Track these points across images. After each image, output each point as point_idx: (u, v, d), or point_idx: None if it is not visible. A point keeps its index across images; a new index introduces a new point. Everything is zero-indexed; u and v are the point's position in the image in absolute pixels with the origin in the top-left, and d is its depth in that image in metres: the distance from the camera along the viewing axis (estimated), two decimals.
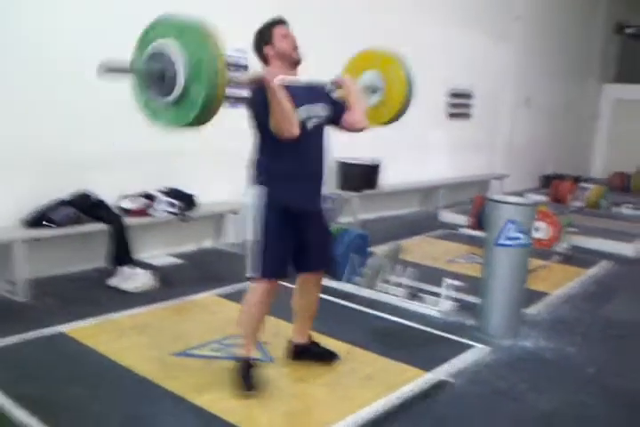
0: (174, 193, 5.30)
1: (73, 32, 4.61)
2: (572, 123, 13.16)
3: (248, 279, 3.03)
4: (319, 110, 2.96)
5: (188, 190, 5.42)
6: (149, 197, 5.09)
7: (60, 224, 4.44)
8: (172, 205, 5.14)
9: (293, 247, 3.02)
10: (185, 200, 5.30)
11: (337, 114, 3.05)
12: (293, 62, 2.93)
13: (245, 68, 5.74)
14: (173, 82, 2.38)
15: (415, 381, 3.18)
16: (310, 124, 2.90)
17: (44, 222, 4.42)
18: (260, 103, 2.76)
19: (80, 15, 4.64)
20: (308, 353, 3.33)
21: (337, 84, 3.10)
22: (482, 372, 3.41)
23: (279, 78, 2.67)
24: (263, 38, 2.92)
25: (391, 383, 3.14)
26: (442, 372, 3.31)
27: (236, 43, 5.48)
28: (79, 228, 4.57)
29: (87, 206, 4.67)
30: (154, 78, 2.46)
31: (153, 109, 2.57)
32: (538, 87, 11.30)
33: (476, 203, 7.13)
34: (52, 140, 4.59)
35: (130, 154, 5.10)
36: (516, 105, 10.78)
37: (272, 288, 3.01)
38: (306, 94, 2.89)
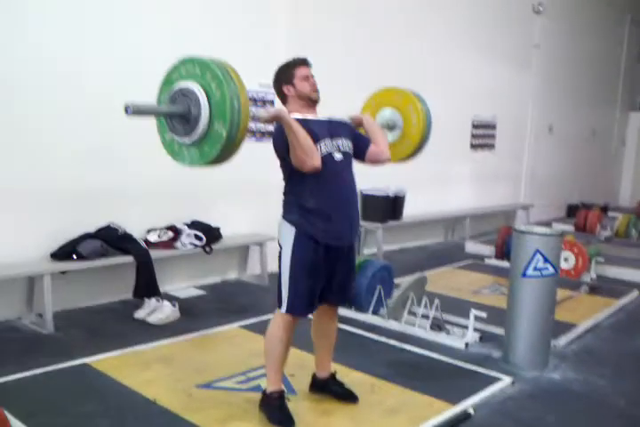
0: (199, 226, 5.35)
1: (100, 67, 4.73)
2: (597, 151, 13.09)
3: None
4: (342, 144, 2.96)
5: (212, 223, 5.48)
6: (175, 229, 5.14)
7: (87, 257, 4.51)
8: (198, 237, 5.19)
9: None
10: (210, 233, 5.35)
11: (361, 147, 3.07)
12: (312, 102, 2.96)
13: (272, 103, 5.85)
14: (197, 121, 2.45)
15: (440, 414, 3.13)
16: (335, 158, 2.90)
17: (71, 255, 4.49)
18: (280, 139, 2.80)
19: (108, 58, 4.77)
20: (328, 390, 3.28)
21: (355, 121, 3.14)
22: (508, 404, 3.35)
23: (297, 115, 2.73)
24: (284, 78, 2.96)
25: (416, 416, 3.10)
26: (467, 404, 3.26)
27: (263, 78, 5.70)
28: (106, 260, 4.62)
29: (114, 239, 4.74)
30: (178, 118, 2.53)
31: (177, 149, 2.64)
32: (561, 115, 11.29)
33: (502, 233, 7.09)
34: (80, 173, 4.68)
35: (156, 187, 5.18)
36: (540, 134, 10.77)
37: (293, 322, 2.99)
38: (326, 129, 2.92)
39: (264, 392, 3.07)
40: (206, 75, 2.44)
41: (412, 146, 3.50)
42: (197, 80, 2.46)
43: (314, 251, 2.89)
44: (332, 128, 2.97)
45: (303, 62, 2.98)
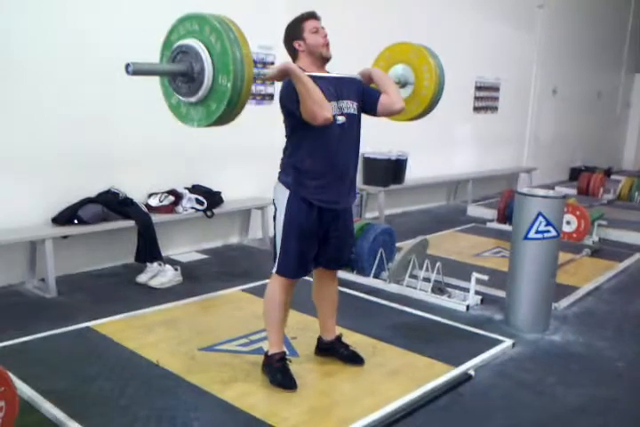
0: (201, 190, 5.33)
1: (99, 32, 4.65)
2: (601, 113, 12.94)
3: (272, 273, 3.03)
4: (346, 105, 2.91)
5: (214, 187, 5.45)
6: (176, 194, 5.12)
7: (88, 222, 4.50)
8: (199, 202, 5.17)
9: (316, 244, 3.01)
10: (211, 197, 5.33)
11: (371, 101, 2.99)
12: (323, 59, 2.89)
13: (272, 64, 5.75)
14: (200, 77, 2.39)
15: (442, 375, 3.15)
16: (337, 121, 2.84)
17: (72, 220, 4.48)
18: (289, 94, 2.73)
19: (107, 16, 4.67)
20: (333, 352, 3.30)
21: (365, 76, 3.05)
22: (509, 366, 3.38)
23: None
24: (293, 33, 2.89)
25: (417, 378, 3.13)
26: (468, 366, 3.28)
27: (262, 40, 5.60)
28: (107, 225, 4.62)
29: (115, 204, 4.72)
30: (181, 78, 2.48)
31: (184, 111, 2.59)
32: (565, 77, 11.13)
33: (504, 196, 7.07)
34: (80, 138, 4.64)
35: (157, 152, 5.15)
36: (544, 96, 10.63)
37: (289, 285, 3.01)
38: (333, 89, 2.86)
39: (266, 354, 3.10)
40: (205, 29, 2.38)
41: (424, 104, 3.38)
42: (196, 36, 2.40)
43: (307, 213, 2.89)
44: (339, 87, 2.90)
45: (312, 15, 2.90)
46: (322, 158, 2.87)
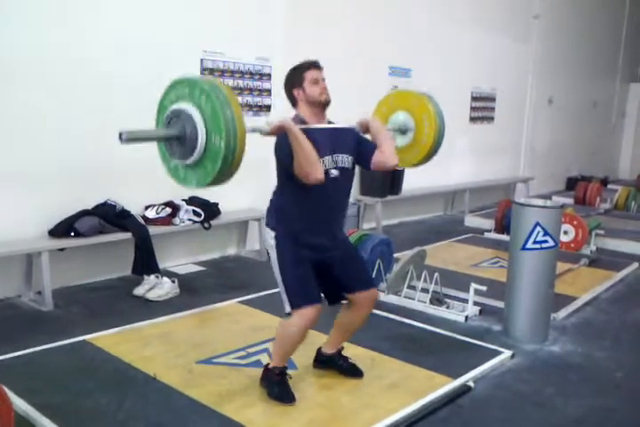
0: (198, 202, 5.32)
1: (99, 46, 4.66)
2: (597, 123, 12.99)
3: (287, 315, 2.89)
4: (344, 160, 2.92)
5: (211, 199, 5.44)
6: (173, 205, 5.11)
7: (85, 234, 4.49)
8: (196, 213, 5.17)
9: (319, 273, 2.96)
10: (208, 208, 5.32)
11: (366, 155, 2.96)
12: (322, 105, 2.89)
13: (269, 76, 5.77)
14: (194, 139, 2.40)
15: (441, 387, 3.14)
16: (330, 175, 2.84)
17: (69, 233, 4.46)
18: (284, 148, 2.73)
19: (107, 31, 4.69)
20: (332, 364, 3.28)
21: (363, 125, 3.01)
22: (508, 377, 3.37)
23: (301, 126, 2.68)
24: (293, 81, 2.89)
25: (417, 390, 3.11)
26: (468, 378, 3.26)
27: (259, 52, 5.63)
28: (104, 237, 4.61)
29: (112, 216, 4.71)
30: (176, 141, 2.49)
31: (182, 174, 2.61)
32: (561, 87, 11.18)
33: (501, 206, 7.07)
34: (76, 150, 4.64)
35: (154, 163, 5.08)
36: (539, 106, 10.68)
37: (309, 319, 2.85)
38: (330, 143, 2.86)
39: (266, 367, 3.08)
40: (195, 91, 2.40)
41: (425, 149, 3.40)
42: (188, 99, 2.42)
43: (295, 245, 2.88)
44: (336, 140, 2.89)
45: (313, 65, 2.89)
46: (311, 210, 2.88)
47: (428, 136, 3.35)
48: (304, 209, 2.88)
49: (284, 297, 2.88)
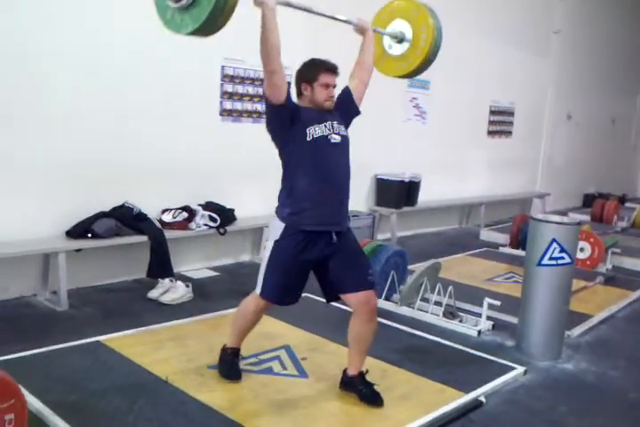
0: (214, 207, 5.35)
1: (113, 46, 4.72)
2: (615, 140, 12.93)
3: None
4: (336, 127, 2.95)
5: (227, 204, 5.47)
6: (190, 210, 5.14)
7: (102, 236, 4.52)
8: (212, 219, 5.19)
9: (317, 269, 3.00)
10: (224, 214, 5.35)
11: (349, 98, 3.09)
12: (322, 109, 2.95)
13: (288, 84, 5.78)
14: None
15: (452, 401, 3.12)
16: (332, 140, 2.90)
17: (86, 234, 4.50)
18: (272, 120, 2.89)
19: (121, 29, 4.74)
20: (352, 388, 3.13)
21: (359, 27, 3.16)
22: (520, 393, 3.34)
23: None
24: (306, 76, 2.93)
25: (427, 403, 3.09)
26: (479, 392, 3.24)
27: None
28: (120, 240, 4.64)
29: (129, 219, 4.74)
30: None
31: (169, 16, 2.61)
32: (580, 103, 11.15)
33: (517, 221, 7.04)
34: (95, 153, 4.69)
35: (171, 167, 5.18)
36: (558, 121, 10.65)
37: (265, 307, 3.09)
38: (320, 116, 2.92)
39: (223, 347, 3.29)
40: None
41: (414, 65, 3.39)
42: None
43: (297, 248, 2.88)
44: (324, 116, 2.95)
45: (332, 69, 2.93)
46: (318, 178, 2.89)
47: (423, 49, 3.34)
48: (313, 180, 2.88)
49: (260, 283, 3.03)
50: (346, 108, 3.08)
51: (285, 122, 2.85)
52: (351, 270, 2.98)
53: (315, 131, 2.87)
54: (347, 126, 3.06)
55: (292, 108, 2.86)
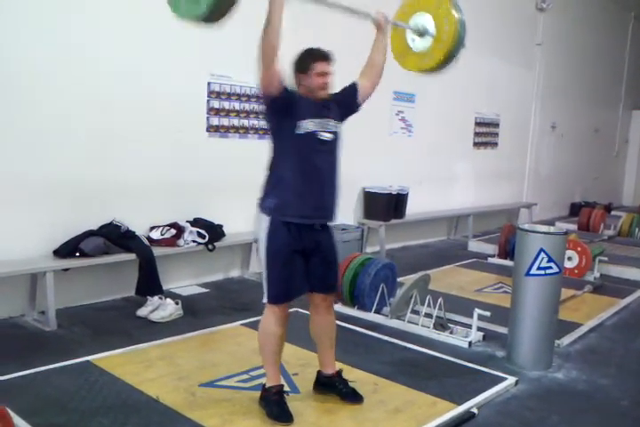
0: (202, 223, 5.34)
1: (99, 61, 4.72)
2: (600, 150, 13.06)
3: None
4: (329, 124, 2.97)
5: (215, 220, 5.46)
6: (178, 227, 5.13)
7: (89, 254, 4.50)
8: (201, 235, 5.18)
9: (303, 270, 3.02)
10: (212, 230, 5.34)
11: (352, 94, 3.13)
12: (320, 98, 2.97)
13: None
14: None
15: (444, 413, 3.11)
16: (322, 137, 2.92)
17: (74, 253, 4.48)
18: (269, 109, 2.91)
19: (108, 45, 4.76)
20: (332, 388, 3.24)
21: (377, 21, 3.18)
22: (511, 404, 3.34)
23: None
24: (301, 66, 2.95)
25: (420, 416, 3.09)
26: (471, 404, 3.24)
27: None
28: (108, 258, 4.62)
29: (117, 236, 4.72)
30: None
31: (183, 8, 2.65)
32: (564, 114, 11.28)
33: (505, 232, 7.07)
34: (82, 171, 4.67)
35: (159, 184, 5.17)
36: (543, 132, 10.75)
37: (283, 316, 3.01)
38: (316, 109, 2.94)
39: (263, 387, 3.09)
40: None
41: (437, 59, 3.35)
42: None
43: (287, 239, 2.91)
44: (322, 108, 2.97)
45: (325, 57, 2.95)
46: (302, 171, 2.92)
47: (445, 42, 3.29)
48: (299, 172, 2.91)
49: (265, 290, 2.98)
50: (347, 103, 3.11)
51: (280, 112, 2.89)
52: (325, 272, 3.08)
53: (307, 125, 2.88)
54: (342, 120, 3.08)
55: (287, 98, 2.86)
